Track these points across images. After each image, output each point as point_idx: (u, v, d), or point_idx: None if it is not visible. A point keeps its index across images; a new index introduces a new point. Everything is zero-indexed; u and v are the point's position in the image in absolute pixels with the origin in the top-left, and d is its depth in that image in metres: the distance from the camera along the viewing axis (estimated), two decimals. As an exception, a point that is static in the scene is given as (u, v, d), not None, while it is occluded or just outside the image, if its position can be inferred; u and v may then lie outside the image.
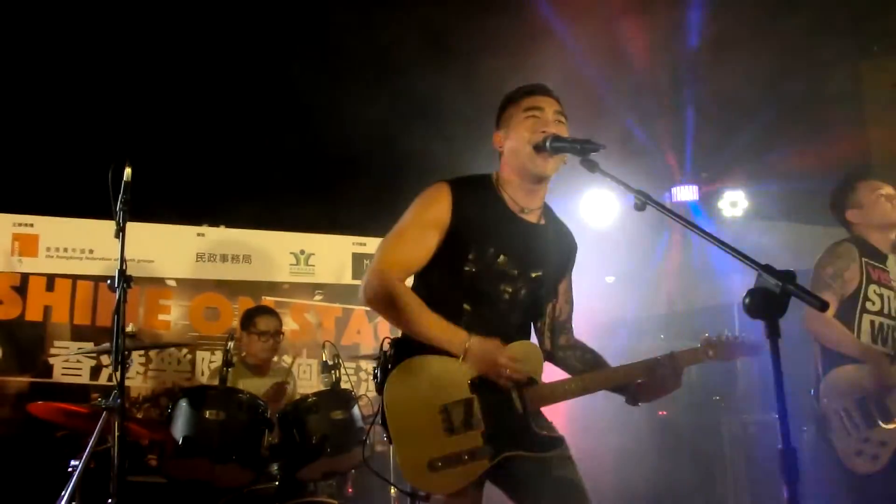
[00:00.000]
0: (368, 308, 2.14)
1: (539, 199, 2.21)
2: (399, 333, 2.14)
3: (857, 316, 3.00)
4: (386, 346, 2.12)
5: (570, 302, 2.34)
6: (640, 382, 2.17)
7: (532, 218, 2.19)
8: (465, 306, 2.10)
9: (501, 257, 2.11)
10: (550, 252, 2.21)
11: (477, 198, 2.14)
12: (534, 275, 2.16)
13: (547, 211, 2.25)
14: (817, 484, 3.35)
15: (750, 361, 5.16)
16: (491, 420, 2.01)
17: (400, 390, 2.01)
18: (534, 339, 2.26)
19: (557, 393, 2.09)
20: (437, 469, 1.94)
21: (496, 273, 2.11)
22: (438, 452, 1.95)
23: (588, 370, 2.22)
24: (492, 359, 1.98)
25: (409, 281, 2.21)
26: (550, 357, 2.30)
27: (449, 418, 1.98)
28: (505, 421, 2.02)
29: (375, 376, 2.10)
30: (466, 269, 2.08)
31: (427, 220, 2.10)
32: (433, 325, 2.02)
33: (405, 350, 2.06)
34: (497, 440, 2.00)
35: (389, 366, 2.05)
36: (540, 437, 2.06)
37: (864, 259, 3.04)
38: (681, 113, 5.76)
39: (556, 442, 2.08)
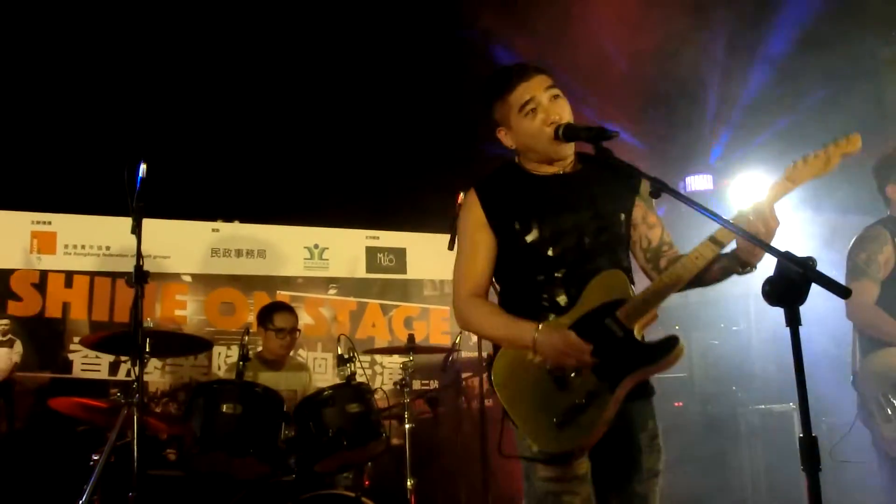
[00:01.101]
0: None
1: (567, 159, 2.14)
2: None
3: None
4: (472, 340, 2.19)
5: (654, 225, 2.19)
6: (737, 248, 1.97)
7: (566, 169, 2.14)
8: (539, 277, 2.07)
9: (549, 218, 2.08)
10: (596, 190, 2.12)
11: (502, 180, 2.16)
12: (589, 217, 2.09)
13: (580, 157, 2.16)
14: (861, 472, 3.27)
15: (767, 353, 5.11)
16: (596, 354, 1.96)
17: (505, 372, 2.04)
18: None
19: (650, 297, 1.98)
20: (564, 425, 1.93)
21: (553, 235, 2.08)
22: (559, 409, 1.95)
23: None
24: (558, 351, 1.95)
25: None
26: None
27: (557, 374, 1.97)
28: (609, 350, 1.97)
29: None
30: (528, 239, 2.07)
31: (471, 228, 2.14)
32: (500, 327, 2.07)
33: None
34: (609, 371, 1.96)
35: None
36: (650, 347, 2.00)
37: None
38: (697, 101, 5.71)
39: (671, 342, 1.96)
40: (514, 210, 2.10)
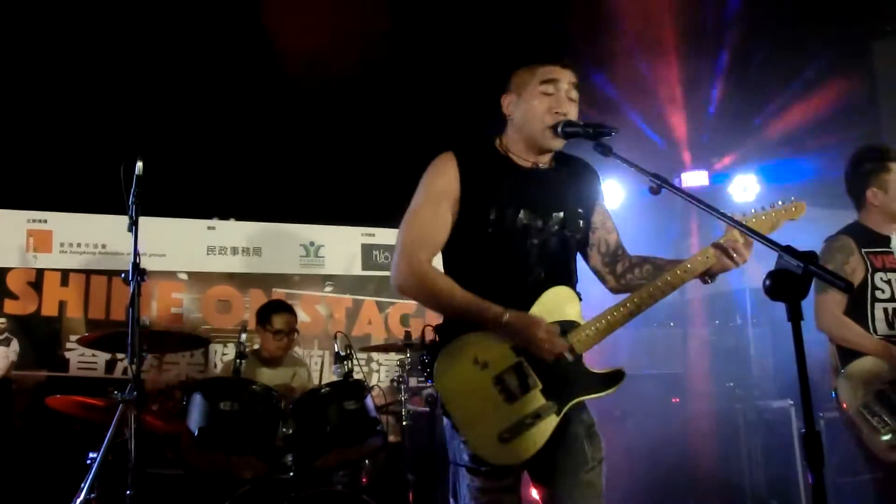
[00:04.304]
0: (404, 297, 2.10)
1: (547, 156, 2.19)
2: (439, 319, 2.13)
3: (869, 306, 2.92)
4: (430, 335, 2.12)
5: (612, 231, 2.27)
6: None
7: (542, 165, 2.18)
8: (493, 268, 2.08)
9: (522, 212, 2.09)
10: (568, 191, 2.18)
11: (483, 160, 2.14)
12: (557, 219, 2.13)
13: (556, 154, 2.22)
14: (858, 483, 3.24)
15: (764, 348, 5.13)
16: (545, 376, 1.99)
17: (450, 376, 2.00)
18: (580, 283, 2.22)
19: (602, 327, 2.03)
20: (508, 440, 1.93)
21: (520, 229, 2.09)
22: (506, 423, 1.94)
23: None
24: (529, 334, 1.96)
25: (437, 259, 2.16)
26: (617, 290, 2.26)
27: (505, 387, 1.96)
28: (559, 372, 2.00)
29: (426, 366, 2.06)
30: (490, 230, 2.07)
31: (437, 193, 2.09)
32: (466, 302, 1.99)
33: (449, 334, 2.05)
34: (558, 393, 1.98)
35: (437, 354, 2.04)
36: (598, 375, 2.05)
37: (862, 249, 2.94)
38: (692, 97, 5.71)
39: (617, 375, 2.05)
40: (493, 198, 2.08)
